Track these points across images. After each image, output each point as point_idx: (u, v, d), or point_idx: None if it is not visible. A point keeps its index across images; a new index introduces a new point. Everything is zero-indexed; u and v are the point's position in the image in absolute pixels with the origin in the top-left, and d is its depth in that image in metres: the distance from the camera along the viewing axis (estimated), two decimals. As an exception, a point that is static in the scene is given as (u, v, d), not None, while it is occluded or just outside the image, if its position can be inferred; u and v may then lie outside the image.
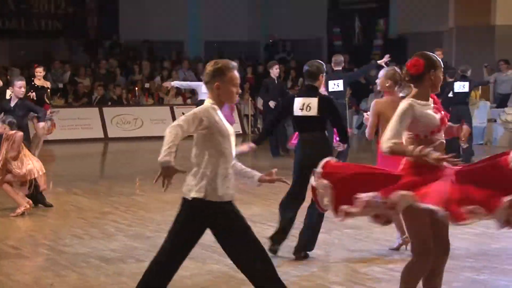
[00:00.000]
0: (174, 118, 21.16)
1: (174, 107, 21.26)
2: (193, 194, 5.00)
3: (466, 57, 19.61)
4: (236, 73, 5.09)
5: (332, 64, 13.92)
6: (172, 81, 18.80)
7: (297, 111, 7.65)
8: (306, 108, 7.62)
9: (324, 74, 7.84)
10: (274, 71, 16.82)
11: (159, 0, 26.28)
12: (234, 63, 5.16)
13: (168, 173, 4.99)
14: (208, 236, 8.47)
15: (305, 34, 26.14)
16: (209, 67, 5.09)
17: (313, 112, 7.57)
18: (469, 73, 15.01)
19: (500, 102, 18.52)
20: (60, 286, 6.56)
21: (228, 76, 5.05)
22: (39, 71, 14.65)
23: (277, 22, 27.60)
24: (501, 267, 7.19)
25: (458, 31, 20.64)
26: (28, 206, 9.55)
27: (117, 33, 26.47)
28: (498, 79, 18.93)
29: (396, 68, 8.16)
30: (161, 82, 22.66)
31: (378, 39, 24.66)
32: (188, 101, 21.77)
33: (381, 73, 7.96)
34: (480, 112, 18.05)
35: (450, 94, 14.60)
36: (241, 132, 21.05)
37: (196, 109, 5.01)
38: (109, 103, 20.99)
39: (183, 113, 21.11)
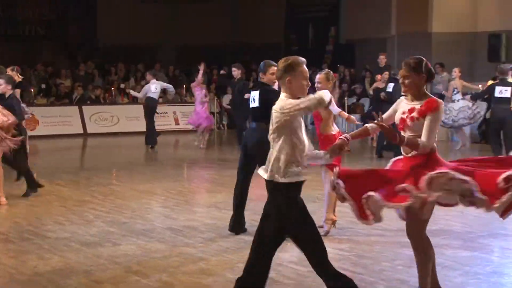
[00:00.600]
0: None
1: (148, 105, 21.27)
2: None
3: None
4: (305, 68, 5.01)
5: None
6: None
7: (250, 104, 7.86)
8: (252, 100, 7.80)
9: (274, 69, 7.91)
10: (235, 73, 16.92)
11: (134, 9, 26.25)
12: (303, 59, 5.05)
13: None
14: (177, 222, 8.53)
15: (265, 39, 26.24)
16: (281, 64, 5.03)
17: (257, 103, 7.72)
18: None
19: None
20: (43, 268, 6.54)
21: (298, 71, 4.98)
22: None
23: (242, 29, 27.69)
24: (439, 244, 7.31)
25: (399, 38, 20.81)
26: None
27: (95, 38, 26.54)
28: (434, 80, 19.14)
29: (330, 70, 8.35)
30: (135, 83, 22.71)
31: (329, 45, 24.82)
32: (160, 99, 21.77)
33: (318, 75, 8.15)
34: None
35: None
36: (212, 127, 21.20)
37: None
38: (88, 102, 20.99)
39: (156, 112, 21.21)
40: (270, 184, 4.88)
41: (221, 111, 22.22)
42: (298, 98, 4.90)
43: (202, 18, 27.07)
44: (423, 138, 5.01)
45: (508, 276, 6.35)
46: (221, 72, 17.67)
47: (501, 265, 6.62)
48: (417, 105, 5.11)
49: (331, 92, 7.92)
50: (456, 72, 16.05)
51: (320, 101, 4.84)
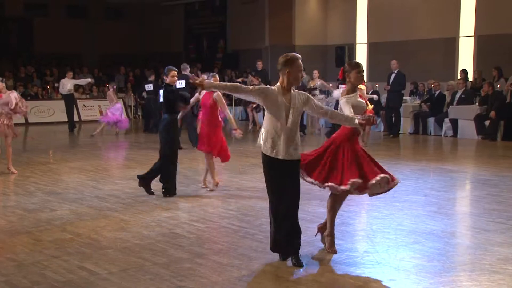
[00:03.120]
0: (77, 108, 20.64)
1: (77, 100, 20.90)
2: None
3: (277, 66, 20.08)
4: (300, 62, 4.88)
5: (181, 70, 13.68)
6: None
7: (160, 99, 8.21)
8: (160, 97, 8.25)
9: (176, 73, 7.94)
10: (152, 76, 17.07)
11: (64, 23, 25.51)
12: (299, 55, 4.94)
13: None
14: (102, 191, 8.26)
15: (169, 49, 26.02)
16: (282, 58, 4.90)
17: (161, 99, 8.05)
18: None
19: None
20: (-7, 231, 6.20)
21: (295, 65, 4.86)
22: None
23: (150, 40, 27.32)
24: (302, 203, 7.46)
25: (271, 48, 21.06)
26: None
27: (33, 46, 25.67)
28: (298, 80, 19.52)
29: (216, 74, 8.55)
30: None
31: (219, 53, 24.81)
32: (88, 96, 21.27)
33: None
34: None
35: None
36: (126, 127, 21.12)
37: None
38: (29, 98, 20.17)
39: (84, 105, 20.65)
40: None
41: (136, 104, 21.77)
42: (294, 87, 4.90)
43: (118, 31, 26.78)
44: None
45: (352, 225, 6.56)
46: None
47: (347, 218, 6.80)
48: None
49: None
50: (316, 73, 16.44)
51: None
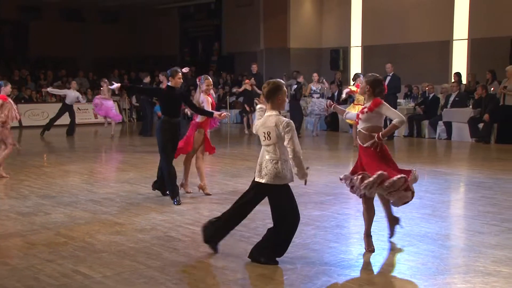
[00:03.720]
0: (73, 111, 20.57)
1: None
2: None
3: (272, 69, 20.12)
4: (285, 88, 5.08)
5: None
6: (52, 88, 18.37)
7: None
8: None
9: (180, 75, 7.85)
10: (147, 78, 17.03)
11: (59, 26, 25.42)
12: (283, 81, 5.15)
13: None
14: (97, 195, 8.23)
15: (164, 52, 26.00)
16: (271, 85, 5.00)
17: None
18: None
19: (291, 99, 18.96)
20: (-13, 235, 6.16)
21: (283, 91, 5.03)
22: None
23: (145, 44, 27.28)
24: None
25: (266, 51, 21.09)
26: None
27: (28, 50, 25.56)
28: (293, 84, 19.53)
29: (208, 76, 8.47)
30: (61, 85, 21.93)
31: (214, 56, 24.81)
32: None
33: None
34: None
35: None
36: (121, 121, 20.93)
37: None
38: (23, 101, 20.16)
39: (78, 108, 20.53)
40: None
41: (131, 107, 21.73)
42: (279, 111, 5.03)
43: (112, 34, 26.73)
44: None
45: (346, 228, 6.56)
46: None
47: (342, 220, 6.81)
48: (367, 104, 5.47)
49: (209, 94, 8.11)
50: (315, 76, 16.55)
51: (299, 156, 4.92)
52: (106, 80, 16.59)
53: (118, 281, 4.75)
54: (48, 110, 20.08)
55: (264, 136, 5.01)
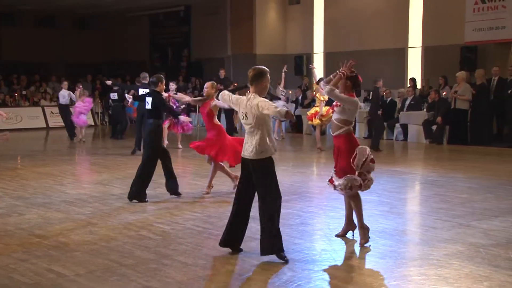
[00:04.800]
0: (45, 115, 20.23)
1: (45, 107, 20.64)
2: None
3: (239, 74, 20.11)
4: (268, 76, 5.06)
5: (141, 79, 13.08)
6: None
7: (146, 106, 7.89)
8: (147, 103, 7.86)
9: (163, 82, 7.93)
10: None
11: (32, 32, 24.96)
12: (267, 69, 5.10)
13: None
14: (70, 196, 8.10)
15: (134, 57, 25.78)
16: (256, 70, 5.03)
17: (150, 106, 7.81)
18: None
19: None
20: (-39, 236, 6.00)
21: (267, 77, 5.03)
22: None
23: (116, 49, 27.00)
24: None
25: (233, 57, 21.08)
26: None
27: (1, 55, 24.97)
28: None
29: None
30: (35, 90, 21.62)
31: (184, 62, 24.69)
32: (53, 103, 20.89)
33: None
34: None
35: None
36: (93, 124, 20.83)
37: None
38: (-4, 105, 19.74)
39: (52, 112, 20.19)
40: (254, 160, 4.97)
41: (103, 111, 21.45)
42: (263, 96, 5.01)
43: (84, 40, 26.37)
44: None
45: (310, 225, 6.60)
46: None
47: (306, 218, 6.85)
48: None
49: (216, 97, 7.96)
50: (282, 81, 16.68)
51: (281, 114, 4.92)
52: (81, 86, 16.33)
53: (91, 279, 4.68)
54: (21, 114, 19.75)
55: (245, 116, 5.03)
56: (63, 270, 4.89)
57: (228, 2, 21.23)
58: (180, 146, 13.44)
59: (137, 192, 7.62)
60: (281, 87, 16.47)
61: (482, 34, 15.22)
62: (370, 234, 5.75)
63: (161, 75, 7.95)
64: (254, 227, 5.71)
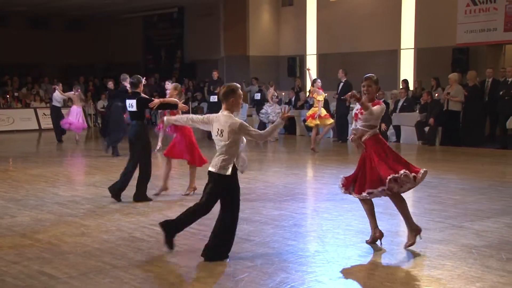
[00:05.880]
0: (37, 117, 20.12)
1: (37, 109, 20.52)
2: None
3: (232, 76, 20.10)
4: (241, 91, 5.08)
5: (121, 80, 12.88)
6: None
7: (128, 108, 7.81)
8: (130, 106, 7.76)
9: (143, 83, 7.90)
10: (110, 85, 16.63)
11: (25, 33, 24.85)
12: (239, 85, 5.15)
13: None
14: (63, 197, 8.06)
15: (128, 59, 25.71)
16: (225, 88, 5.04)
17: (135, 108, 7.73)
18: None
19: (254, 104, 19.07)
20: (-48, 239, 5.94)
21: (238, 93, 5.05)
22: None
23: (110, 51, 26.92)
24: (256, 207, 7.44)
25: (226, 59, 21.07)
26: None
27: None
28: (252, 89, 19.61)
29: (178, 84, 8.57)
30: (26, 91, 21.54)
31: (177, 63, 24.66)
32: (48, 105, 20.76)
33: (170, 86, 8.30)
34: (243, 110, 18.54)
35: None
36: (86, 126, 20.69)
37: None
38: (-12, 107, 19.67)
39: (44, 114, 20.13)
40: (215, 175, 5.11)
41: (96, 113, 21.38)
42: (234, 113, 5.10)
43: (78, 42, 26.27)
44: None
45: (304, 227, 6.60)
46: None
47: (299, 219, 6.85)
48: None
49: (178, 99, 8.00)
50: (272, 85, 16.68)
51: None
52: (79, 90, 16.18)
53: (83, 281, 4.65)
54: (13, 115, 19.66)
55: (217, 132, 5.12)
56: (56, 272, 4.86)
57: (221, 3, 21.23)
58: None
59: (143, 193, 7.76)
60: (272, 89, 16.47)
61: (474, 36, 15.30)
62: (361, 235, 5.70)
63: (139, 76, 7.92)
64: (247, 229, 5.69)
